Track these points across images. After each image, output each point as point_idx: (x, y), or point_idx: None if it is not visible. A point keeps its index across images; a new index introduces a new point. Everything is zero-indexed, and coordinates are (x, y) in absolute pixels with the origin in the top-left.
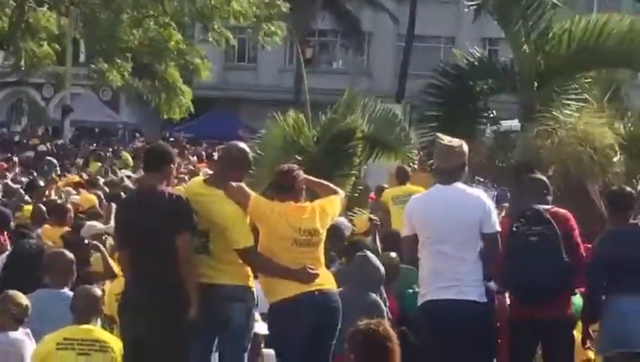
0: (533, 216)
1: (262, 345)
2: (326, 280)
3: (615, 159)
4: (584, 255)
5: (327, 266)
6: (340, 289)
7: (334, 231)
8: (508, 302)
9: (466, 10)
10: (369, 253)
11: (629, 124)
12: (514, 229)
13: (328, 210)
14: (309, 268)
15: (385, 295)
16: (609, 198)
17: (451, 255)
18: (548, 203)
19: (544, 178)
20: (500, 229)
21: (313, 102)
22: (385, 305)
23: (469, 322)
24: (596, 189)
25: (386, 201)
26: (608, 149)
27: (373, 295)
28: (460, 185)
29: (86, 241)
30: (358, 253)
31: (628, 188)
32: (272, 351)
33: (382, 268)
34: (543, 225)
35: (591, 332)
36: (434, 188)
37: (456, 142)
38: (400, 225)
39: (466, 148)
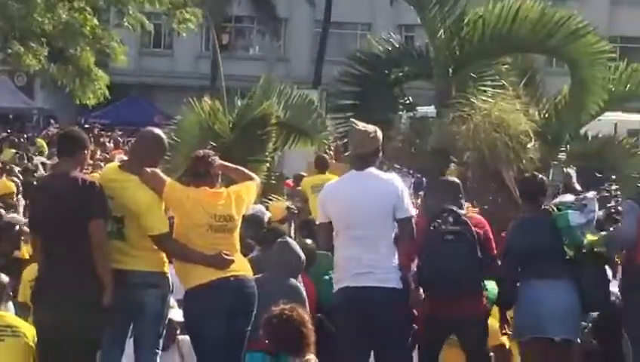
0: (450, 215)
1: (177, 331)
2: (241, 266)
3: (530, 145)
4: (494, 249)
5: (246, 253)
6: (260, 275)
7: (252, 218)
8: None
9: None
10: (289, 239)
11: (544, 111)
12: (431, 228)
13: (244, 196)
14: (225, 254)
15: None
16: (521, 186)
17: (366, 241)
18: (462, 206)
19: (457, 180)
20: (413, 213)
21: (229, 89)
22: None
23: (384, 308)
24: (511, 175)
25: (305, 190)
26: (523, 135)
27: (293, 280)
28: (373, 170)
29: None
30: (279, 239)
31: (540, 176)
32: (187, 338)
33: (302, 255)
34: (460, 226)
35: (508, 317)
36: (348, 175)
37: (370, 128)
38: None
39: (380, 134)
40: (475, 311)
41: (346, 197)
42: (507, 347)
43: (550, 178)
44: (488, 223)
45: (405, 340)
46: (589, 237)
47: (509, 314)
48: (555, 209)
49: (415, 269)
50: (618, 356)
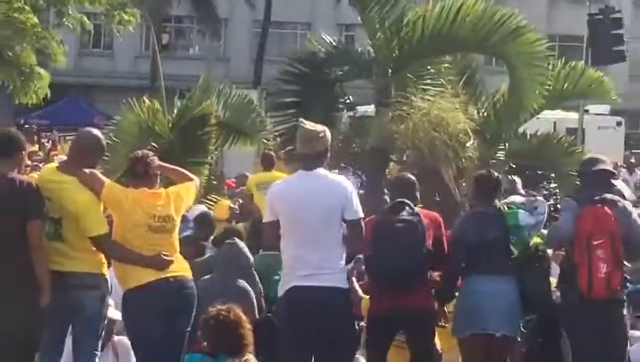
0: (402, 206)
1: (114, 332)
2: (180, 267)
3: (469, 144)
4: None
5: (202, 254)
6: (208, 276)
7: (203, 218)
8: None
9: None
10: (237, 240)
11: (483, 110)
12: (381, 218)
13: (183, 196)
14: (164, 255)
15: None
16: (476, 181)
17: (314, 241)
18: (417, 200)
19: (413, 178)
20: (362, 215)
21: (170, 89)
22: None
23: (331, 308)
24: (450, 174)
25: (250, 188)
26: (462, 134)
27: (242, 282)
28: (322, 171)
29: None
30: (227, 241)
31: (496, 174)
32: (124, 338)
33: (249, 255)
34: (411, 215)
35: (446, 312)
36: (296, 174)
37: (319, 127)
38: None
39: (328, 134)
40: (425, 303)
41: (295, 197)
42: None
43: None
44: None
45: (349, 341)
46: (536, 240)
47: (447, 309)
48: (505, 208)
49: (363, 259)
50: (557, 354)
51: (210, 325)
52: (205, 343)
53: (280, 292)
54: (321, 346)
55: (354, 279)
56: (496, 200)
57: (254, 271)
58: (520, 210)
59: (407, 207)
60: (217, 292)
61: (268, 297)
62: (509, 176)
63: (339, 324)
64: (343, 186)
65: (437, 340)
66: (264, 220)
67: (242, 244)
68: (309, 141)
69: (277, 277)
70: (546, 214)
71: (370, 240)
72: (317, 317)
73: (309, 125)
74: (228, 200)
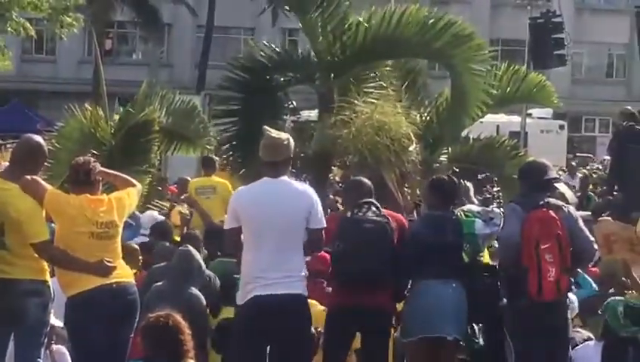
0: (369, 205)
1: (53, 340)
2: (124, 273)
3: (411, 148)
4: None
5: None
6: (160, 283)
7: (159, 227)
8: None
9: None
10: (190, 247)
11: (426, 114)
12: (348, 216)
13: (126, 202)
14: (107, 261)
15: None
16: (433, 185)
17: (280, 249)
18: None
19: (367, 181)
20: (325, 225)
21: (113, 94)
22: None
23: (294, 315)
24: (393, 178)
25: (190, 193)
26: (404, 138)
27: (194, 289)
28: (286, 178)
29: None
30: (180, 247)
31: (454, 179)
32: (62, 347)
33: (202, 263)
34: (378, 216)
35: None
36: (262, 181)
37: (283, 135)
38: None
39: (292, 142)
40: (387, 303)
41: (264, 204)
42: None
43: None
44: None
45: (308, 349)
46: (486, 258)
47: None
48: (462, 215)
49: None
50: (500, 356)
51: (150, 331)
52: (145, 349)
53: (240, 300)
54: (279, 353)
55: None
56: (454, 206)
57: (211, 278)
58: (477, 219)
59: (373, 207)
60: (168, 298)
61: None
62: (462, 182)
63: (302, 332)
64: (308, 195)
65: None
66: (226, 226)
67: (195, 251)
68: (275, 149)
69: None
70: (501, 226)
71: (337, 237)
72: (280, 324)
73: (274, 133)
74: (180, 207)
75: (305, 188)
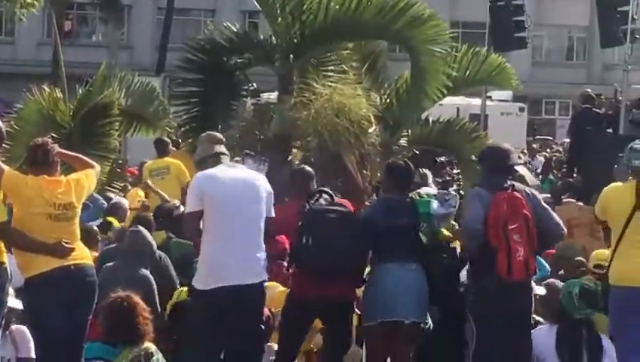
0: (325, 195)
1: (12, 321)
2: (82, 255)
3: (371, 130)
4: None
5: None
6: (111, 264)
7: (116, 207)
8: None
9: None
10: (141, 228)
11: (386, 96)
12: (308, 206)
13: (84, 183)
14: (65, 243)
15: (172, 271)
16: (389, 169)
17: (242, 235)
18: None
19: (309, 169)
20: (274, 215)
21: (73, 76)
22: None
23: (256, 302)
24: (353, 160)
25: (145, 175)
26: (364, 120)
27: (144, 270)
28: (241, 165)
29: None
30: (131, 228)
31: (409, 163)
32: (22, 327)
33: (154, 244)
34: (338, 205)
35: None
36: (224, 166)
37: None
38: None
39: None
40: (350, 292)
41: (232, 188)
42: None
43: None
44: None
45: (262, 331)
46: (445, 233)
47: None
48: (417, 196)
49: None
50: (462, 338)
51: (108, 313)
52: (103, 331)
53: (200, 285)
54: (236, 336)
55: None
56: (409, 190)
57: (162, 258)
58: (432, 200)
59: (327, 194)
60: (119, 279)
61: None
62: (420, 170)
63: (259, 316)
64: (265, 183)
65: None
66: (187, 210)
67: (146, 232)
68: (219, 142)
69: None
70: (457, 207)
71: (303, 230)
72: (239, 313)
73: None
74: (137, 189)
75: (260, 176)
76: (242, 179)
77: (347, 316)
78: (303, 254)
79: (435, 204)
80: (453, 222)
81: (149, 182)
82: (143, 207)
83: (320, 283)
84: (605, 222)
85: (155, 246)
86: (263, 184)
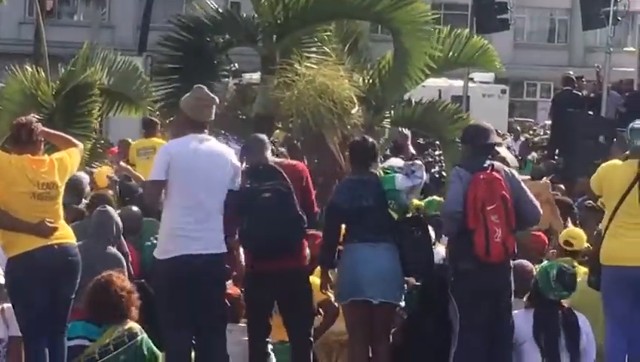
0: (264, 171)
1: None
2: (65, 234)
3: (353, 111)
4: (315, 204)
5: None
6: (80, 242)
7: (73, 184)
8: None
9: None
10: (108, 207)
11: (368, 77)
12: (247, 186)
13: (67, 162)
14: (48, 222)
15: (126, 248)
16: (351, 148)
17: (209, 204)
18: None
19: (263, 137)
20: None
21: (54, 56)
22: (127, 258)
23: (215, 273)
24: (335, 141)
25: (132, 154)
26: (347, 101)
27: (112, 248)
28: (211, 138)
29: None
30: (98, 207)
31: (370, 139)
32: (8, 305)
33: (120, 222)
34: (275, 180)
35: (330, 277)
36: (192, 138)
37: (214, 96)
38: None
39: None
40: (299, 264)
41: (199, 158)
42: (333, 301)
43: (386, 136)
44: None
45: (222, 301)
46: (415, 202)
47: (332, 274)
48: (382, 172)
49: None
50: (444, 320)
51: (91, 292)
52: (87, 310)
53: (161, 255)
54: (201, 310)
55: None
56: (374, 166)
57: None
58: (397, 174)
59: (267, 167)
60: (89, 258)
61: (142, 262)
62: (401, 130)
63: (220, 286)
64: (232, 156)
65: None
66: (151, 177)
67: (113, 211)
68: (210, 109)
69: (149, 243)
70: (424, 178)
71: (241, 212)
72: (200, 282)
73: (210, 93)
74: (108, 167)
75: (227, 148)
76: (209, 151)
77: (302, 287)
78: (245, 235)
79: (399, 178)
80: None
81: (122, 164)
82: (111, 181)
83: (267, 259)
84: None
85: (120, 226)
86: (230, 157)
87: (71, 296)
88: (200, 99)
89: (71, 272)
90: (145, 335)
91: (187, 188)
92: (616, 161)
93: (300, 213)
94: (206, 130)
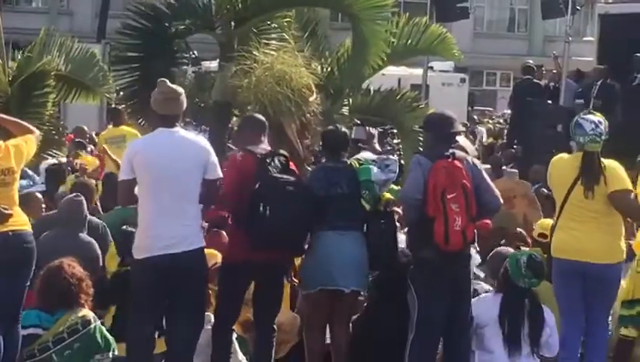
0: (283, 163)
1: None
2: (20, 220)
3: (312, 98)
4: None
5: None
6: (51, 231)
7: (51, 171)
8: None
9: None
10: (79, 195)
11: (327, 65)
12: (269, 173)
13: (23, 149)
14: (3, 208)
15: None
16: (324, 137)
17: (181, 201)
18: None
19: (260, 117)
20: (221, 175)
21: (13, 42)
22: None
23: (193, 270)
24: (293, 128)
25: (100, 144)
26: (305, 89)
27: (84, 235)
28: (181, 130)
29: None
30: (68, 196)
31: (343, 128)
32: None
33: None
34: (293, 176)
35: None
36: (158, 133)
37: (180, 89)
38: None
39: (184, 96)
40: (286, 259)
41: (164, 156)
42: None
43: (352, 136)
44: None
45: (203, 298)
46: (386, 195)
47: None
48: (356, 163)
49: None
50: (404, 308)
51: (42, 279)
52: (40, 297)
53: (137, 254)
54: (178, 307)
55: None
56: (346, 156)
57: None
58: (373, 166)
59: (282, 157)
60: (61, 246)
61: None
62: (367, 128)
63: (199, 287)
64: (204, 146)
65: None
66: (120, 177)
67: (82, 198)
68: (175, 102)
69: (124, 227)
70: (397, 172)
71: (260, 197)
72: (178, 281)
73: (173, 85)
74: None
75: (199, 139)
76: (177, 144)
77: (280, 281)
78: (257, 223)
79: (375, 170)
80: (395, 186)
81: (105, 147)
82: (82, 169)
83: (262, 249)
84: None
85: (88, 214)
86: (201, 147)
87: (25, 284)
88: (163, 93)
89: (26, 259)
90: (99, 323)
91: (155, 185)
92: (563, 155)
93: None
94: (177, 124)
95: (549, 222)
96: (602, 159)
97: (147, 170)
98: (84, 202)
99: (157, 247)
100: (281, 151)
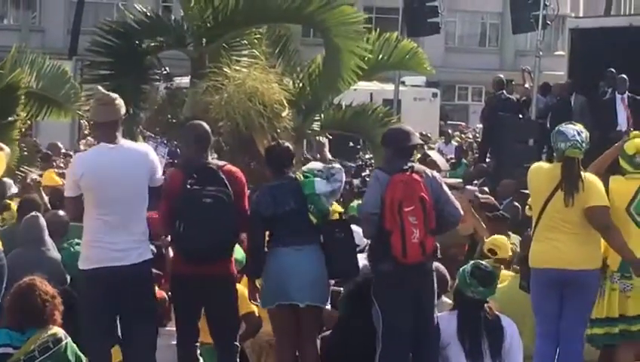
0: (208, 175)
1: None
2: None
3: (284, 114)
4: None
5: None
6: (16, 249)
7: None
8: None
9: None
10: (37, 214)
11: (298, 80)
12: (188, 186)
13: None
14: None
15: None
16: (267, 154)
17: (127, 216)
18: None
19: (205, 131)
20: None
21: None
22: None
23: (140, 281)
24: (265, 144)
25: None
26: (277, 104)
27: (53, 252)
28: (124, 141)
29: None
30: (30, 214)
31: (285, 143)
32: None
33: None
34: (218, 186)
35: (258, 285)
36: (99, 147)
37: (113, 94)
38: None
39: (122, 101)
40: (226, 270)
41: (105, 174)
42: (257, 314)
43: (304, 148)
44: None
45: (154, 308)
46: (335, 208)
47: (258, 282)
48: (302, 176)
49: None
50: (369, 322)
51: (10, 298)
52: (9, 316)
53: (82, 264)
54: (129, 317)
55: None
56: (291, 170)
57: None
58: (316, 178)
59: (212, 171)
60: (25, 266)
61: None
62: (317, 138)
63: (147, 292)
64: (147, 155)
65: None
66: (67, 194)
67: (40, 217)
68: (108, 107)
69: (72, 250)
70: (343, 181)
71: (177, 215)
72: (127, 294)
73: (105, 91)
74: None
75: (143, 147)
76: (119, 156)
77: (226, 293)
78: (177, 240)
79: (318, 182)
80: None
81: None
82: (35, 185)
83: (198, 264)
84: None
85: (46, 231)
86: (145, 156)
87: None
88: (98, 99)
89: None
90: (69, 340)
91: (100, 199)
92: (542, 164)
93: (234, 221)
94: (118, 132)
95: (501, 239)
96: (582, 172)
97: (94, 193)
98: (40, 216)
99: (101, 259)
100: (214, 161)
